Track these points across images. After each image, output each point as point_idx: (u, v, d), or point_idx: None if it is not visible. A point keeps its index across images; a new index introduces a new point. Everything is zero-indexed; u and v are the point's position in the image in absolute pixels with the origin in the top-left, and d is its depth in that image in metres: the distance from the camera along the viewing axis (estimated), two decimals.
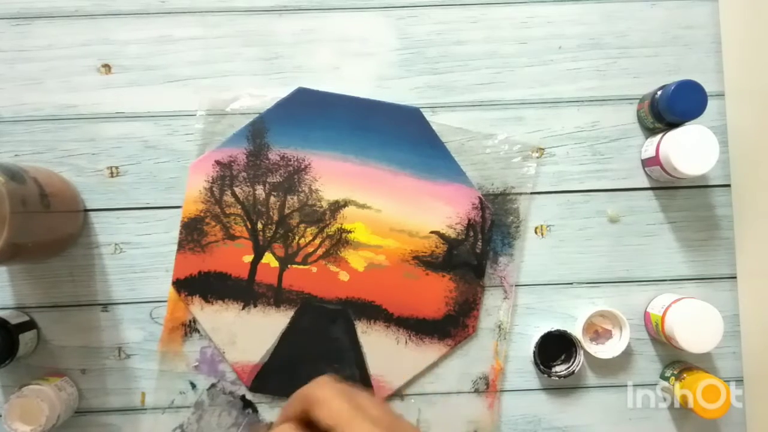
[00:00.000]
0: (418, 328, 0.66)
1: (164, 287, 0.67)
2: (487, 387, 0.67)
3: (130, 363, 0.67)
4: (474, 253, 0.67)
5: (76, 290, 0.67)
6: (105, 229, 0.67)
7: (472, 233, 0.67)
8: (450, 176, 0.67)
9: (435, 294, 0.67)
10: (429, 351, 0.67)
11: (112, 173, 0.67)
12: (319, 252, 0.67)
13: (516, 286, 0.68)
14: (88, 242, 0.67)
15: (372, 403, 0.42)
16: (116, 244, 0.67)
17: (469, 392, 0.67)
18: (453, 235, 0.67)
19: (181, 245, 0.67)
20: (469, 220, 0.67)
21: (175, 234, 0.67)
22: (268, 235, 0.67)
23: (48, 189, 0.60)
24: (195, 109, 0.67)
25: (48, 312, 0.67)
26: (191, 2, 0.68)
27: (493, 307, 0.68)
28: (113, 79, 0.68)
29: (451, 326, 0.67)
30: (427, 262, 0.67)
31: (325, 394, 0.41)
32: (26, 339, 0.64)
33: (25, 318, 0.65)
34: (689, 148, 0.62)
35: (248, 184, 0.67)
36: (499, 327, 0.68)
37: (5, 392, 0.66)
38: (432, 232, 0.67)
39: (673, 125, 0.64)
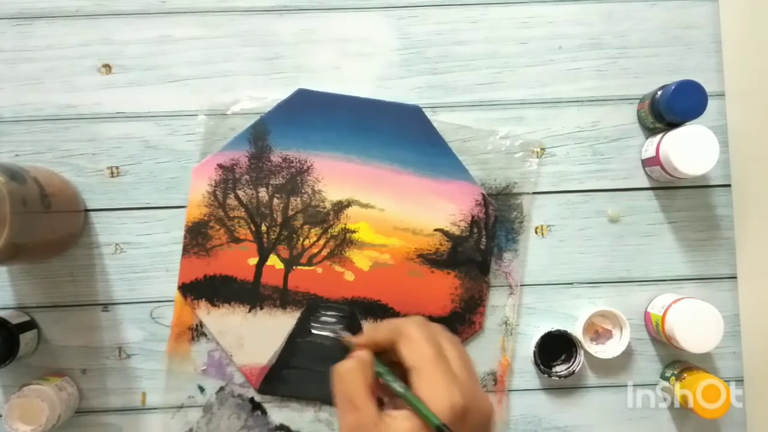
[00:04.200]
0: None
1: (165, 287, 0.67)
2: (495, 383, 0.67)
3: (130, 363, 0.67)
4: (478, 250, 0.67)
5: (76, 290, 0.67)
6: (105, 229, 0.67)
7: (476, 230, 0.67)
8: (452, 173, 0.67)
9: (440, 291, 0.67)
10: None
11: (112, 173, 0.67)
12: (324, 253, 0.67)
13: (521, 281, 0.68)
14: (88, 242, 0.67)
15: (456, 355, 0.42)
16: (117, 244, 0.67)
17: None
18: (457, 233, 0.67)
19: (186, 249, 0.67)
20: (473, 217, 0.67)
21: (175, 234, 0.67)
22: (273, 237, 0.67)
23: (48, 189, 0.60)
24: (196, 109, 0.67)
25: (48, 312, 0.67)
26: (192, 2, 0.68)
27: (498, 303, 0.68)
28: (114, 79, 0.68)
29: (458, 323, 0.67)
30: (432, 260, 0.67)
31: (416, 333, 0.42)
32: (27, 339, 0.64)
33: (26, 318, 0.65)
34: (689, 148, 0.62)
35: (251, 186, 0.67)
36: (506, 323, 0.68)
37: (5, 392, 0.66)
38: (436, 230, 0.67)
39: (673, 125, 0.64)
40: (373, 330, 0.45)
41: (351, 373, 0.42)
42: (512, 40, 0.69)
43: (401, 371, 0.42)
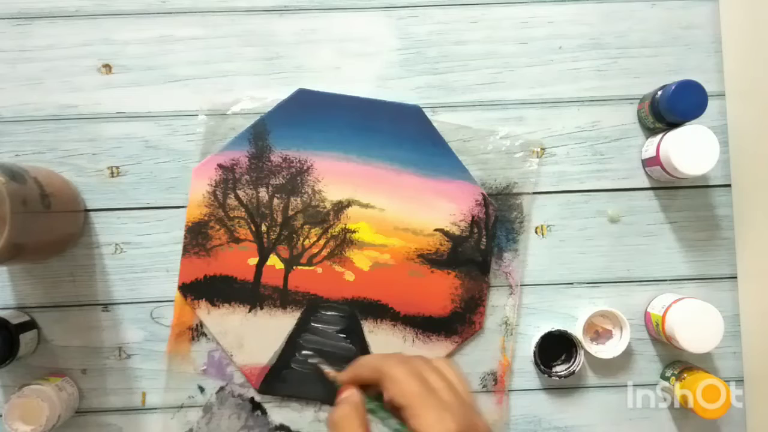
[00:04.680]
0: (425, 326, 0.67)
1: (165, 287, 0.67)
2: (495, 383, 0.67)
3: (130, 363, 0.67)
4: (479, 250, 0.67)
5: (76, 290, 0.67)
6: (105, 229, 0.67)
7: (476, 230, 0.67)
8: (453, 173, 0.67)
9: (441, 291, 0.67)
10: (436, 349, 0.67)
11: (112, 173, 0.67)
12: (324, 253, 0.67)
13: (521, 281, 0.68)
14: (88, 242, 0.67)
15: (444, 384, 0.43)
16: (117, 244, 0.67)
17: (477, 389, 0.67)
18: (457, 233, 0.67)
19: (186, 249, 0.67)
20: (473, 217, 0.67)
21: (175, 234, 0.67)
22: (273, 237, 0.67)
23: (48, 189, 0.60)
24: (196, 109, 0.67)
25: (49, 312, 0.67)
26: (192, 2, 0.68)
27: (499, 303, 0.68)
28: (114, 79, 0.68)
29: (458, 323, 0.67)
30: (432, 260, 0.67)
31: (398, 372, 0.43)
32: (27, 339, 0.64)
33: (26, 318, 0.65)
34: (689, 148, 0.62)
35: (251, 186, 0.67)
36: (506, 323, 0.68)
37: (6, 392, 0.66)
38: (436, 230, 0.67)
39: (673, 125, 0.64)
40: (356, 367, 0.46)
41: (346, 421, 0.42)
42: (512, 40, 0.69)
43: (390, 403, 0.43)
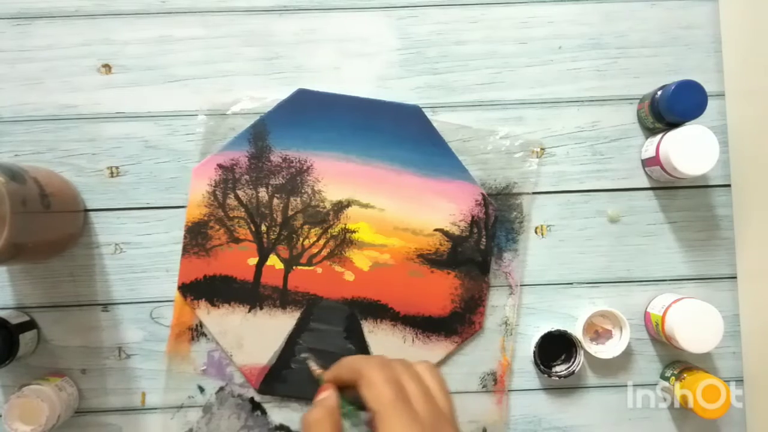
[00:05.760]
0: (425, 326, 0.67)
1: (164, 287, 0.67)
2: (495, 383, 0.67)
3: (130, 363, 0.67)
4: (478, 250, 0.67)
5: (76, 290, 0.67)
6: (105, 229, 0.67)
7: (476, 230, 0.67)
8: (452, 173, 0.67)
9: (441, 291, 0.67)
10: (436, 349, 0.67)
11: (112, 173, 0.67)
12: (324, 253, 0.67)
13: (520, 281, 0.68)
14: (88, 242, 0.67)
15: (420, 392, 0.43)
16: (116, 244, 0.67)
17: (477, 389, 0.67)
18: (457, 233, 0.67)
19: (186, 249, 0.67)
20: (473, 217, 0.67)
21: (175, 234, 0.67)
22: (273, 237, 0.67)
23: (48, 189, 0.60)
24: (196, 109, 0.67)
25: (48, 312, 0.67)
26: (192, 2, 0.68)
27: (498, 303, 0.68)
28: (114, 79, 0.68)
29: (458, 323, 0.67)
30: (432, 260, 0.67)
31: (376, 376, 0.43)
32: (26, 339, 0.64)
33: (26, 318, 0.65)
34: (689, 148, 0.62)
35: (251, 186, 0.67)
36: (506, 323, 0.68)
37: (5, 392, 0.66)
38: (436, 230, 0.67)
39: (673, 125, 0.64)
40: (338, 367, 0.47)
41: (319, 425, 0.43)
42: (512, 40, 0.69)
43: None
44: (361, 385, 0.43)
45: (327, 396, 0.46)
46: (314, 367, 0.49)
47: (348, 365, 0.46)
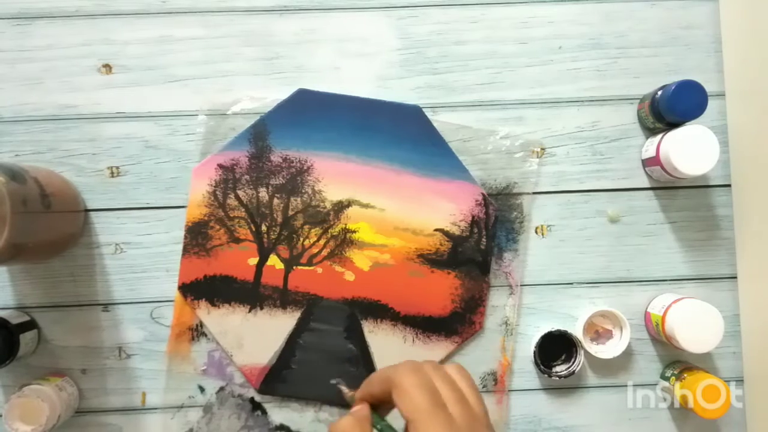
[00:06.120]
0: (425, 326, 0.67)
1: (165, 287, 0.67)
2: (496, 383, 0.67)
3: (130, 363, 0.67)
4: (479, 250, 0.67)
5: (76, 290, 0.67)
6: (105, 229, 0.67)
7: (476, 230, 0.67)
8: (453, 173, 0.67)
9: (441, 291, 0.67)
10: (436, 349, 0.67)
11: (112, 173, 0.67)
12: (324, 253, 0.67)
13: (521, 281, 0.68)
14: (88, 242, 0.67)
15: (455, 397, 0.41)
16: (117, 244, 0.67)
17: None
18: (457, 233, 0.67)
19: (186, 249, 0.67)
20: (473, 217, 0.67)
21: (175, 234, 0.67)
22: (273, 237, 0.67)
23: (48, 189, 0.60)
24: (196, 109, 0.67)
25: (48, 312, 0.67)
26: (192, 2, 0.68)
27: (499, 303, 0.68)
28: (114, 79, 0.68)
29: (458, 323, 0.67)
30: (432, 260, 0.67)
31: (408, 383, 0.41)
32: (27, 339, 0.64)
33: (26, 318, 0.65)
34: (689, 148, 0.62)
35: (251, 186, 0.67)
36: (506, 323, 0.68)
37: (5, 392, 0.66)
38: (436, 230, 0.67)
39: (673, 125, 0.64)
40: (367, 383, 0.45)
41: None
42: (512, 40, 0.69)
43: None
44: (394, 393, 0.41)
45: (359, 408, 0.43)
46: (345, 390, 0.47)
47: (378, 376, 0.44)
